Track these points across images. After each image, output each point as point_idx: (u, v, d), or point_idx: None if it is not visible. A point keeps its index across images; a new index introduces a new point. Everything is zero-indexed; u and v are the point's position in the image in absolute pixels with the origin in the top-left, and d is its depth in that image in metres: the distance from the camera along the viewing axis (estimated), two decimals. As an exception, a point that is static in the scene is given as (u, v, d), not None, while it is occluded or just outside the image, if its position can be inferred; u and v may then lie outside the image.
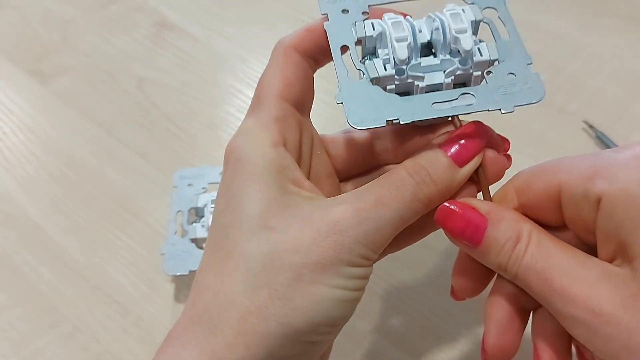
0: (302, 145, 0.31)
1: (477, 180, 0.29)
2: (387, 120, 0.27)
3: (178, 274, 0.42)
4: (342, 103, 0.27)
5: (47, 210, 0.49)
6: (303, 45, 0.30)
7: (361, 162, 0.34)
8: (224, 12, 0.65)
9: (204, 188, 0.47)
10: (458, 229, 0.27)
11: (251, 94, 0.60)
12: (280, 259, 0.26)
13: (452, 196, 0.29)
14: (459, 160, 0.28)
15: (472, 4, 0.30)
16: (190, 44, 0.62)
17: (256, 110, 0.30)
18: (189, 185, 0.47)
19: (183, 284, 0.45)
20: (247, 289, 0.26)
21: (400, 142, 0.30)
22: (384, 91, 0.28)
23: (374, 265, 0.28)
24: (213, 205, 0.43)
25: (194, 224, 0.44)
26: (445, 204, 0.28)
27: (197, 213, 0.45)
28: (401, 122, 0.27)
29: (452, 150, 0.28)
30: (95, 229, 0.48)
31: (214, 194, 0.45)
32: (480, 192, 0.30)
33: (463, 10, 0.29)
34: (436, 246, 0.45)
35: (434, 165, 0.28)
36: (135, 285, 0.45)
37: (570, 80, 0.55)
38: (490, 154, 0.29)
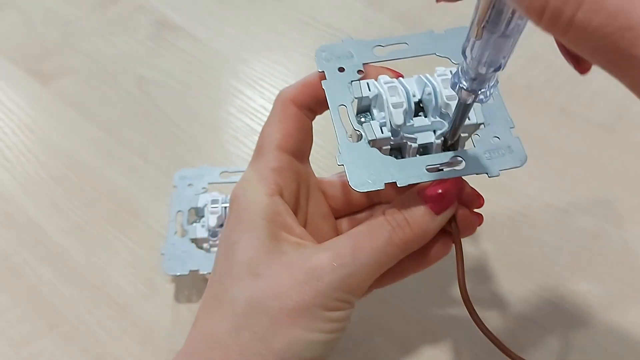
0: (299, 192, 0.33)
1: (452, 232, 0.32)
2: (385, 184, 0.29)
3: (178, 274, 0.42)
4: (343, 165, 0.29)
5: (47, 211, 0.49)
6: (300, 98, 0.32)
7: (356, 202, 0.37)
8: (225, 13, 0.65)
9: (204, 188, 0.47)
10: None
11: (252, 94, 0.60)
12: (261, 304, 0.28)
13: (428, 245, 0.32)
14: (436, 209, 0.30)
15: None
16: (192, 45, 0.62)
17: (256, 161, 0.32)
18: (189, 185, 0.47)
19: (183, 284, 0.45)
20: (231, 331, 0.28)
21: (394, 186, 0.31)
22: (381, 154, 0.30)
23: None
24: (213, 206, 0.43)
25: (194, 224, 0.44)
26: None
27: (197, 213, 0.45)
28: (398, 185, 0.29)
29: (430, 199, 0.30)
30: (95, 229, 0.48)
31: (214, 194, 0.45)
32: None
33: (451, 72, 0.31)
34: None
35: (412, 211, 0.30)
36: (135, 285, 0.45)
37: (571, 81, 0.55)
38: (462, 211, 0.31)
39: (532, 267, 0.44)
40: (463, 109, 0.28)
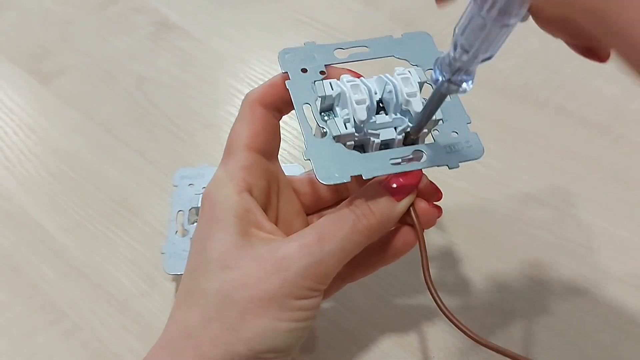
0: (269, 190, 0.34)
1: (414, 224, 0.33)
2: (351, 176, 0.30)
3: (179, 273, 0.42)
4: (309, 159, 0.30)
5: (48, 209, 0.49)
6: (266, 99, 0.33)
7: (325, 198, 0.38)
8: (224, 13, 0.65)
9: (204, 188, 0.47)
10: None
11: (251, 93, 0.60)
12: (231, 295, 0.29)
13: (393, 238, 0.33)
14: (397, 195, 0.31)
15: (417, 66, 0.33)
16: (190, 44, 0.62)
17: (226, 161, 0.33)
18: (190, 184, 0.47)
19: (183, 283, 0.45)
20: (202, 322, 0.30)
21: (359, 180, 0.32)
22: (346, 148, 0.31)
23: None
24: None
25: (195, 224, 0.44)
26: None
27: (198, 213, 0.46)
28: (364, 178, 0.30)
29: (391, 186, 0.31)
30: (95, 228, 0.48)
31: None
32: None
33: (409, 72, 0.32)
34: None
35: (375, 199, 0.31)
36: (136, 283, 0.45)
37: (569, 80, 0.55)
38: (422, 204, 0.33)
39: (521, 258, 0.45)
40: (437, 99, 0.29)
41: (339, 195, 0.38)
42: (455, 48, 0.26)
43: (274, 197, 0.35)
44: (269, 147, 0.34)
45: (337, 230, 0.30)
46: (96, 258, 0.46)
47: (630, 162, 0.50)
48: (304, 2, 0.65)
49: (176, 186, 0.47)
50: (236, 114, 0.55)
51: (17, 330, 0.43)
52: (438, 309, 0.32)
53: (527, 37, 0.58)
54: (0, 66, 0.61)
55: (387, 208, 0.31)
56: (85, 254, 0.47)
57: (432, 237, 0.46)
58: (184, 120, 0.55)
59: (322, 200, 0.38)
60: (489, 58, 0.26)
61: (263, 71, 0.59)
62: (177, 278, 0.45)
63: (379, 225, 0.31)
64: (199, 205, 0.45)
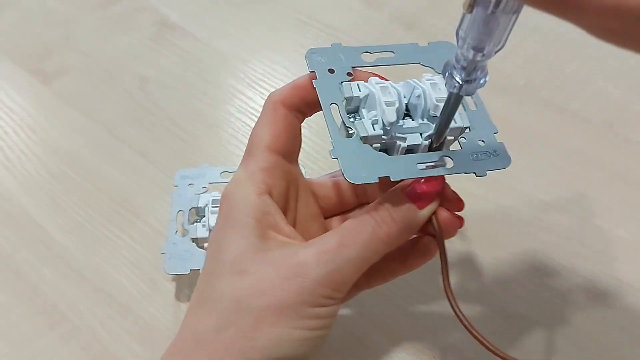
0: (289, 192, 0.34)
1: (435, 234, 0.32)
2: (379, 177, 0.29)
3: (179, 273, 0.42)
4: (337, 158, 0.30)
5: (48, 210, 0.49)
6: (290, 100, 0.33)
7: (347, 200, 0.38)
8: (225, 13, 0.65)
9: (204, 188, 0.47)
10: None
11: (252, 94, 0.60)
12: (247, 302, 0.29)
13: (414, 247, 0.33)
14: (418, 204, 0.31)
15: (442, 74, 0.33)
16: (192, 44, 0.62)
17: (246, 161, 0.33)
18: (190, 184, 0.47)
19: (184, 283, 0.45)
20: (215, 328, 0.29)
21: (381, 183, 0.31)
22: (373, 149, 0.31)
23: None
24: (214, 205, 0.43)
25: (195, 224, 0.44)
26: None
27: (198, 213, 0.46)
28: (392, 180, 0.29)
29: (413, 194, 0.31)
30: (95, 228, 0.48)
31: (214, 194, 0.45)
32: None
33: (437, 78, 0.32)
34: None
35: (395, 206, 0.30)
36: (136, 284, 0.45)
37: (570, 80, 0.55)
38: (444, 213, 0.32)
39: (526, 262, 0.44)
40: (453, 101, 0.29)
41: (359, 200, 0.38)
42: (457, 41, 0.26)
43: (293, 200, 0.34)
44: (289, 148, 0.34)
45: (356, 237, 0.30)
46: (96, 259, 0.46)
47: (631, 162, 0.50)
48: (305, 2, 0.65)
49: (176, 186, 0.47)
50: (236, 114, 0.56)
51: (17, 332, 0.43)
52: (457, 319, 0.32)
53: (527, 37, 0.58)
54: (1, 66, 0.61)
55: (408, 215, 0.30)
56: (86, 254, 0.47)
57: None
58: (185, 120, 0.55)
59: (341, 204, 0.38)
60: (488, 54, 0.25)
61: (263, 71, 0.59)
62: (177, 278, 0.45)
63: (399, 232, 0.30)
64: (199, 205, 0.45)
